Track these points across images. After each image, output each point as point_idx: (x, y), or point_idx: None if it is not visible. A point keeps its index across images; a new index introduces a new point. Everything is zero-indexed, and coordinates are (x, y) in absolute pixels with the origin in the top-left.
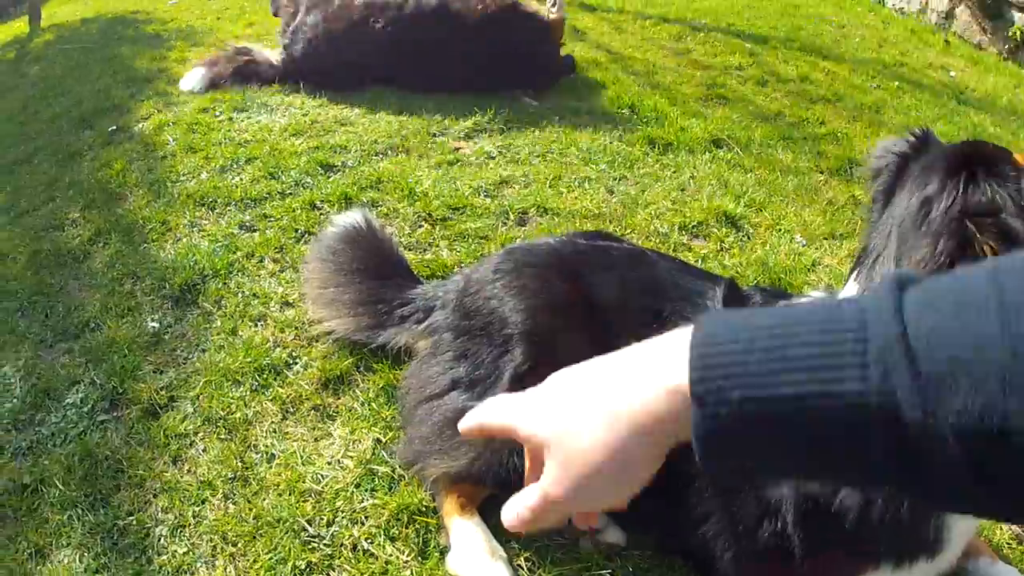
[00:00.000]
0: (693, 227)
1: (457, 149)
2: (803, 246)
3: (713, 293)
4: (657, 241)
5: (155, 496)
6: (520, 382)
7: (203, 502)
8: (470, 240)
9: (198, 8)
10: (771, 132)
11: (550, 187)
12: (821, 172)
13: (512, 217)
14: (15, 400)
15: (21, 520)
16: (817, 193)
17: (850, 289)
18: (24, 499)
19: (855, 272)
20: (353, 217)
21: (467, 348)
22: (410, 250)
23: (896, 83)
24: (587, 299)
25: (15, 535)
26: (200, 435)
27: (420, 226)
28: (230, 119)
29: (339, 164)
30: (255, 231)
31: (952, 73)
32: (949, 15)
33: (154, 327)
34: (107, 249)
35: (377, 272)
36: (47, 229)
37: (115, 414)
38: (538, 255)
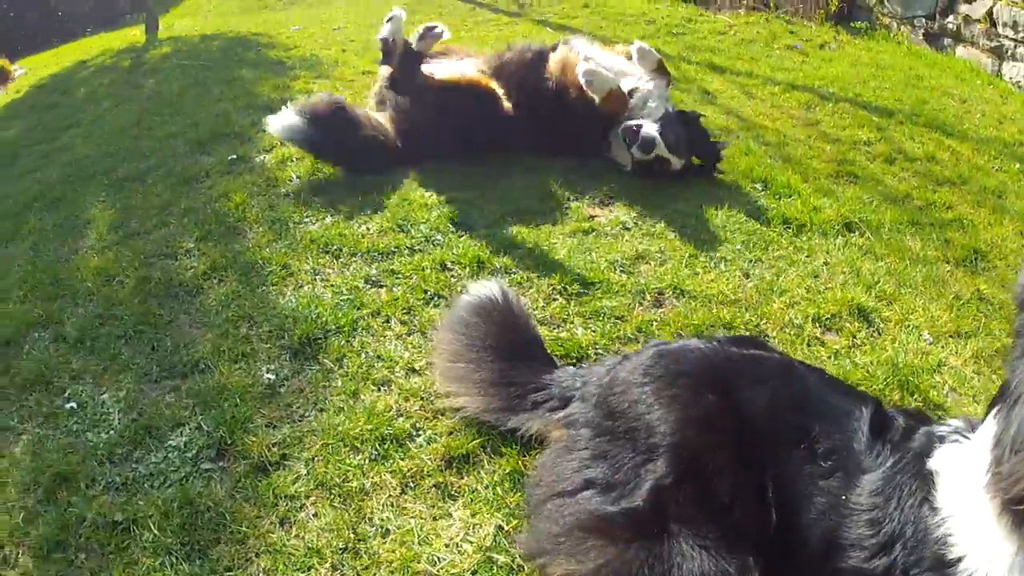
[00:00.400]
0: (826, 319)
1: (592, 217)
2: (930, 344)
3: (860, 414)
4: (791, 333)
5: (257, 555)
6: (660, 494)
7: (309, 569)
8: (605, 319)
9: (322, 37)
10: (900, 216)
11: (686, 266)
12: (947, 262)
13: (648, 297)
14: (112, 432)
15: (108, 556)
16: (944, 286)
17: (989, 427)
18: (114, 536)
19: (995, 409)
20: (489, 288)
21: (607, 449)
22: (544, 325)
23: (1017, 165)
24: (736, 414)
25: (98, 569)
26: (312, 499)
27: (554, 299)
28: None
29: (471, 222)
30: (382, 287)
31: None
32: None
33: (270, 379)
34: (222, 287)
35: (511, 351)
36: (158, 256)
37: (221, 464)
38: (690, 363)
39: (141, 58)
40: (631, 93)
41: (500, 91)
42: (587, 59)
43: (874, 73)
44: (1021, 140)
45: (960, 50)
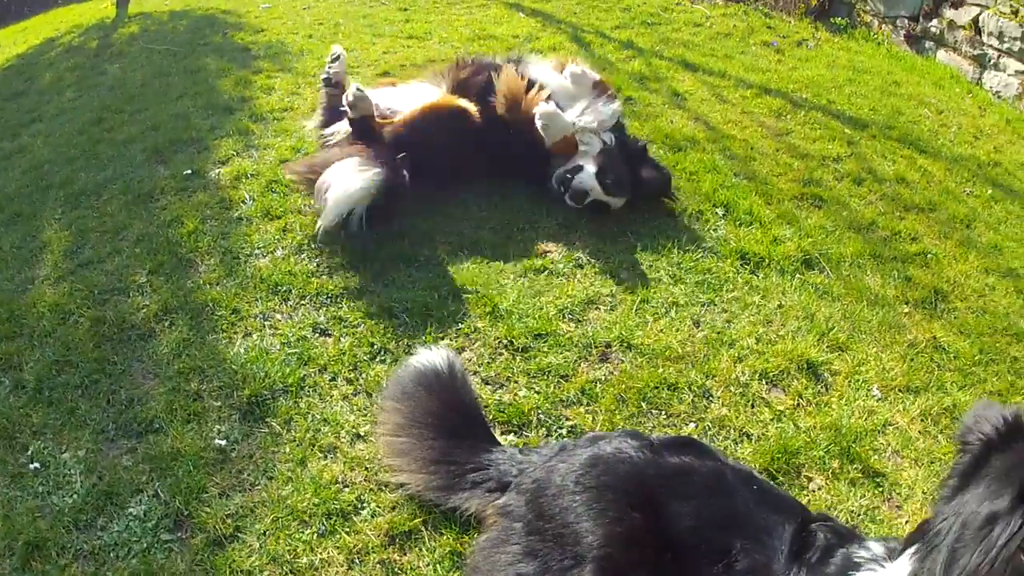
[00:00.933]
0: (773, 375)
1: (545, 253)
2: (878, 400)
3: (783, 531)
4: (736, 392)
5: None
6: None
7: None
8: (550, 378)
9: (291, 19)
10: (862, 248)
11: (636, 312)
12: (906, 302)
13: (595, 352)
14: (76, 496)
15: None
16: (900, 332)
17: (904, 566)
18: None
19: (912, 548)
20: (435, 359)
21: (537, 549)
22: (487, 384)
23: (989, 190)
24: (661, 532)
25: None
26: (266, 574)
27: (500, 354)
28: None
29: (422, 259)
30: (329, 336)
31: None
32: None
33: (220, 444)
34: (174, 332)
35: (453, 427)
36: (111, 292)
37: (180, 535)
38: (620, 476)
39: (109, 38)
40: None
41: (469, 106)
42: (547, 97)
43: (851, 77)
44: (996, 159)
45: (941, 54)
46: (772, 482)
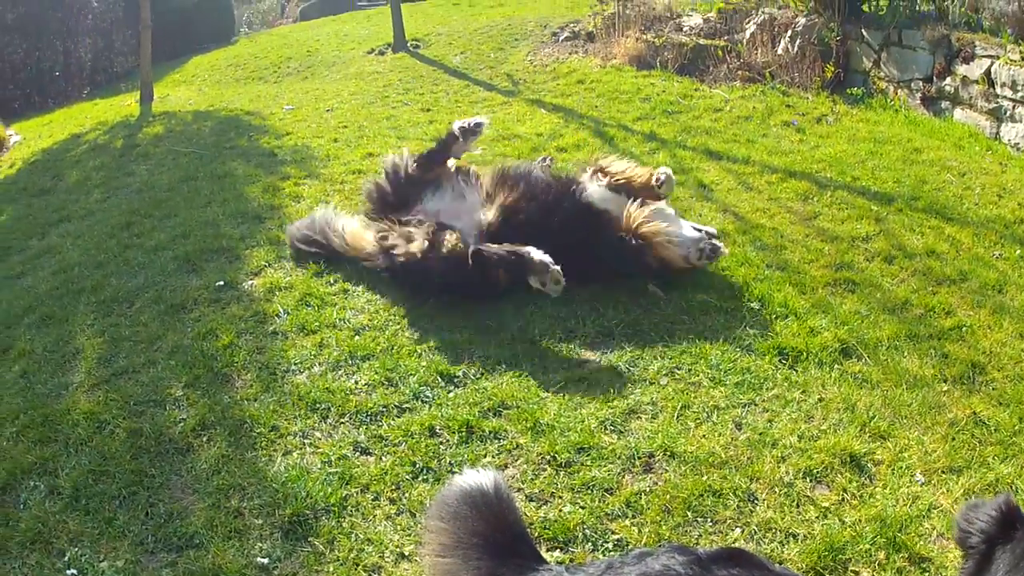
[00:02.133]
0: (817, 472)
1: (584, 363)
2: (921, 485)
3: None
4: (781, 493)
5: None
6: None
7: None
8: (594, 492)
9: (315, 121)
10: (898, 329)
11: (677, 419)
12: (944, 380)
13: (638, 463)
14: None
15: None
16: (940, 411)
17: None
18: None
19: None
20: (480, 480)
21: None
22: (531, 500)
23: (1018, 249)
24: None
25: None
26: None
27: (543, 469)
28: (345, 291)
29: (459, 375)
30: (370, 455)
31: None
32: None
33: (263, 562)
34: (212, 447)
35: (499, 547)
36: (147, 403)
37: None
38: None
39: (134, 138)
40: None
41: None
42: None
43: (872, 149)
44: (1021, 216)
45: (958, 113)
46: None
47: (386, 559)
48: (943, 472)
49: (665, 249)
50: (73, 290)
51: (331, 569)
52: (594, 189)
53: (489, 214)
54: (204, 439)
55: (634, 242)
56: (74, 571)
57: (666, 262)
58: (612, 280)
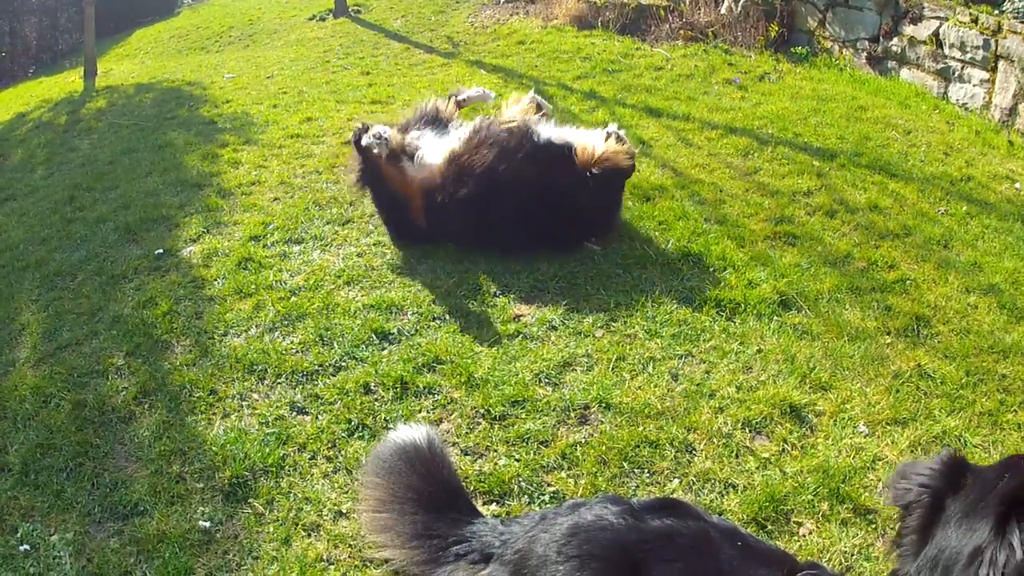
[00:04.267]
0: (757, 423)
1: (519, 316)
2: (865, 436)
3: None
4: (719, 444)
5: None
6: None
7: None
8: (529, 444)
9: (255, 88)
10: (839, 282)
11: (613, 370)
12: (888, 333)
13: (574, 415)
14: None
15: None
16: (883, 363)
17: None
18: None
19: None
20: (414, 435)
21: None
22: (467, 454)
23: (964, 207)
24: None
25: None
26: None
27: (478, 423)
28: (283, 255)
29: (394, 332)
30: (306, 414)
31: (1017, 185)
32: (1012, 111)
33: (205, 525)
34: (153, 414)
35: (434, 501)
36: (90, 374)
37: None
38: (602, 544)
39: (77, 113)
40: None
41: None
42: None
43: (815, 107)
44: (968, 174)
45: (905, 73)
46: (760, 532)
47: (324, 517)
48: (887, 424)
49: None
50: (18, 267)
51: (271, 529)
52: (547, 129)
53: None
54: (146, 407)
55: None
56: (27, 547)
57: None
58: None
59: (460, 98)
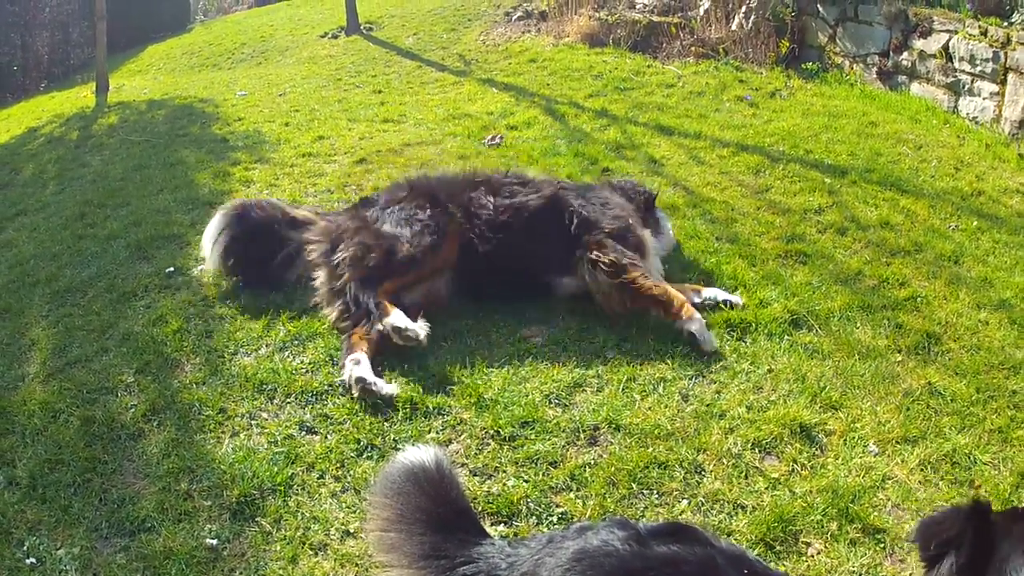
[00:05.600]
0: (766, 443)
1: (528, 337)
2: (875, 455)
3: None
4: (729, 465)
5: None
6: None
7: None
8: (539, 465)
9: (267, 106)
10: (850, 300)
11: (623, 392)
12: (899, 351)
13: (583, 436)
14: None
15: None
16: (894, 382)
17: None
18: None
19: None
20: (422, 457)
21: None
22: (475, 475)
23: (975, 221)
24: None
25: None
26: None
27: (487, 444)
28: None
29: (404, 350)
30: (316, 434)
31: None
32: (1022, 124)
33: (212, 543)
34: (162, 431)
35: (442, 522)
36: (100, 391)
37: None
38: (607, 570)
39: (89, 129)
40: None
41: None
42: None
43: (827, 123)
44: (978, 188)
45: (915, 87)
46: (769, 553)
47: (332, 536)
48: (897, 442)
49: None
50: (28, 283)
51: (278, 548)
52: None
53: None
54: (154, 424)
55: None
56: (33, 560)
57: None
58: None
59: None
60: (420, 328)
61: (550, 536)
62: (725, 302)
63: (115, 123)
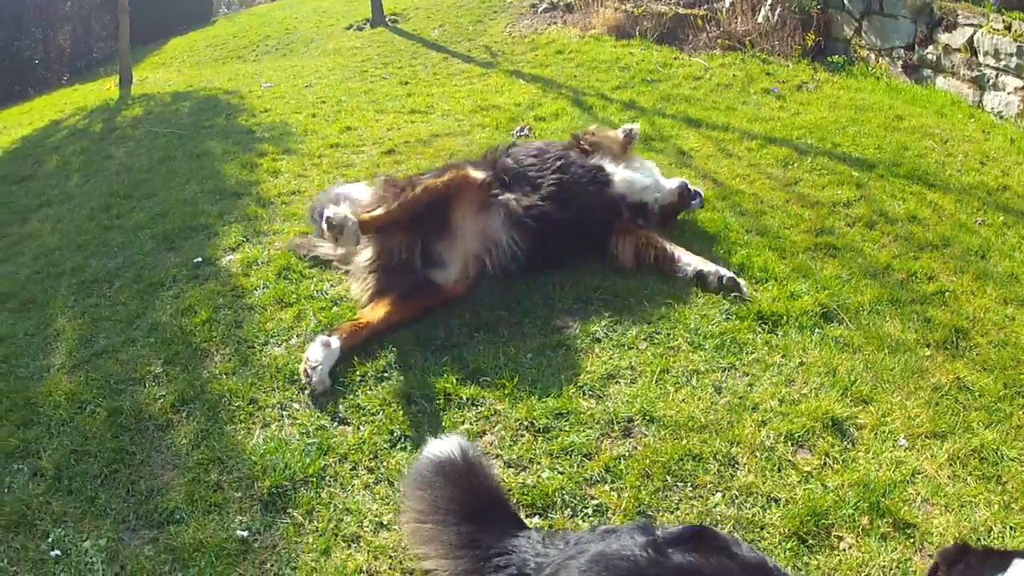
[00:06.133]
0: (799, 436)
1: (561, 328)
2: (905, 450)
3: None
4: (762, 457)
5: None
6: None
7: None
8: (573, 457)
9: (293, 97)
10: (880, 294)
11: (656, 384)
12: (927, 345)
13: (617, 428)
14: None
15: None
16: (923, 376)
17: None
18: None
19: None
20: (447, 447)
21: None
22: (511, 467)
23: (1000, 216)
24: None
25: None
26: None
27: (521, 435)
28: (324, 264)
29: (437, 342)
30: (348, 425)
31: None
32: None
33: (242, 535)
34: (191, 422)
35: (477, 512)
36: (127, 381)
37: None
38: (623, 573)
39: (113, 121)
40: None
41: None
42: None
43: (853, 117)
44: (1004, 184)
45: (940, 81)
46: (801, 546)
47: (365, 528)
48: (927, 437)
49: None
50: (54, 273)
51: (310, 540)
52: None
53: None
54: (183, 415)
55: None
56: (58, 552)
57: None
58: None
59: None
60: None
61: (579, 537)
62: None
63: (139, 115)
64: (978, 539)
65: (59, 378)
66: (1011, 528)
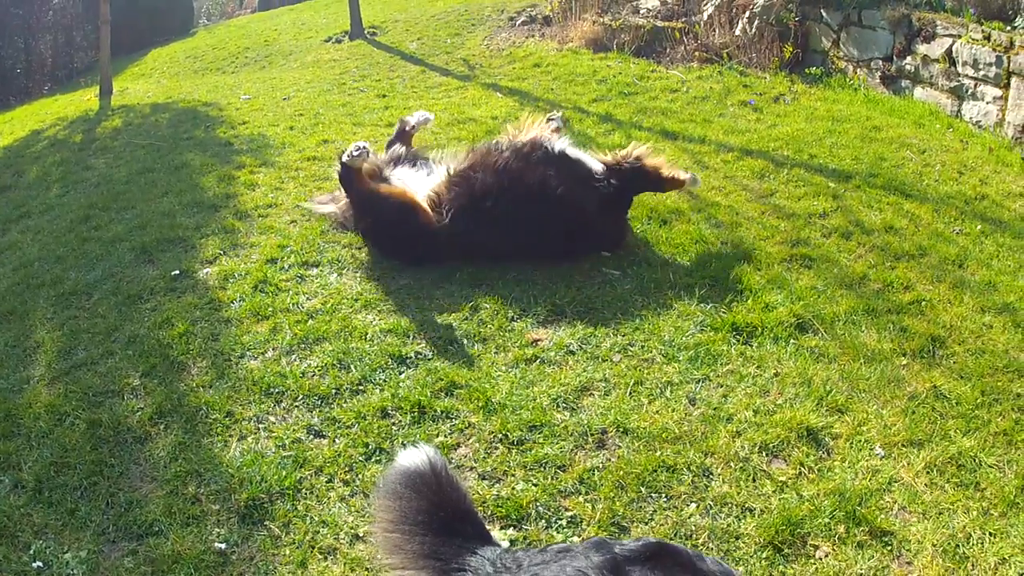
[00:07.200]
0: (773, 447)
1: (536, 341)
2: (881, 458)
3: None
4: (736, 468)
5: None
6: None
7: None
8: (547, 469)
9: (271, 109)
10: (855, 304)
11: (631, 395)
12: (904, 354)
13: (591, 439)
14: None
15: None
16: (899, 385)
17: None
18: None
19: None
20: (416, 458)
21: None
22: (484, 479)
23: (978, 225)
24: None
25: None
26: None
27: (495, 448)
28: (299, 277)
29: (412, 356)
30: (323, 437)
31: None
32: None
33: (220, 547)
34: (169, 435)
35: (443, 524)
36: (106, 394)
37: None
38: None
39: (93, 132)
40: None
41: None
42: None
43: (830, 128)
44: (982, 192)
45: (919, 91)
46: (777, 556)
47: (341, 540)
48: (903, 445)
49: (653, 159)
50: (33, 285)
51: (287, 552)
52: (562, 142)
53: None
54: (161, 427)
55: (627, 165)
56: (40, 563)
57: (658, 170)
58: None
59: (410, 127)
60: None
61: (531, 559)
62: None
63: (119, 126)
64: (957, 546)
65: (39, 390)
66: (990, 535)
